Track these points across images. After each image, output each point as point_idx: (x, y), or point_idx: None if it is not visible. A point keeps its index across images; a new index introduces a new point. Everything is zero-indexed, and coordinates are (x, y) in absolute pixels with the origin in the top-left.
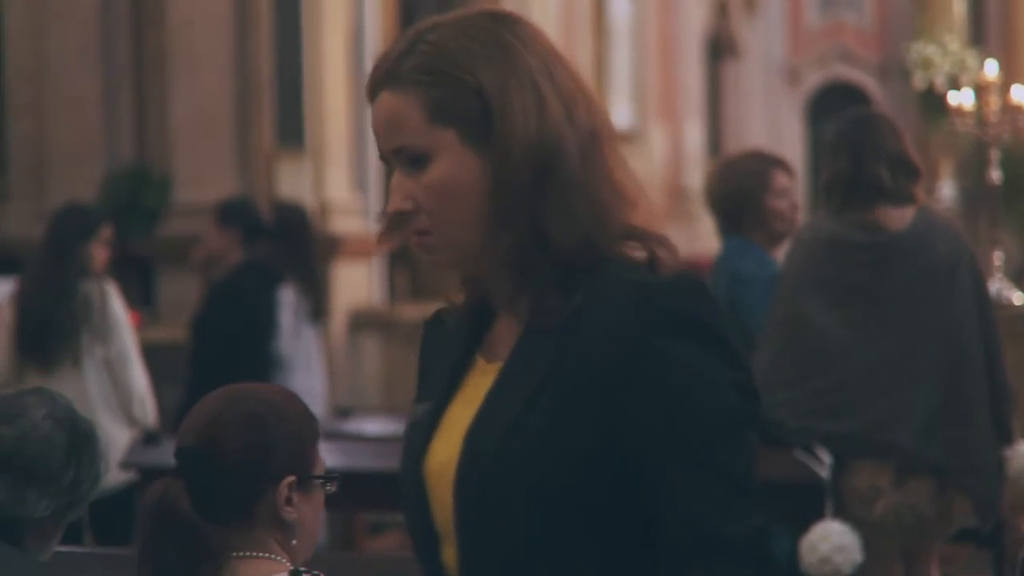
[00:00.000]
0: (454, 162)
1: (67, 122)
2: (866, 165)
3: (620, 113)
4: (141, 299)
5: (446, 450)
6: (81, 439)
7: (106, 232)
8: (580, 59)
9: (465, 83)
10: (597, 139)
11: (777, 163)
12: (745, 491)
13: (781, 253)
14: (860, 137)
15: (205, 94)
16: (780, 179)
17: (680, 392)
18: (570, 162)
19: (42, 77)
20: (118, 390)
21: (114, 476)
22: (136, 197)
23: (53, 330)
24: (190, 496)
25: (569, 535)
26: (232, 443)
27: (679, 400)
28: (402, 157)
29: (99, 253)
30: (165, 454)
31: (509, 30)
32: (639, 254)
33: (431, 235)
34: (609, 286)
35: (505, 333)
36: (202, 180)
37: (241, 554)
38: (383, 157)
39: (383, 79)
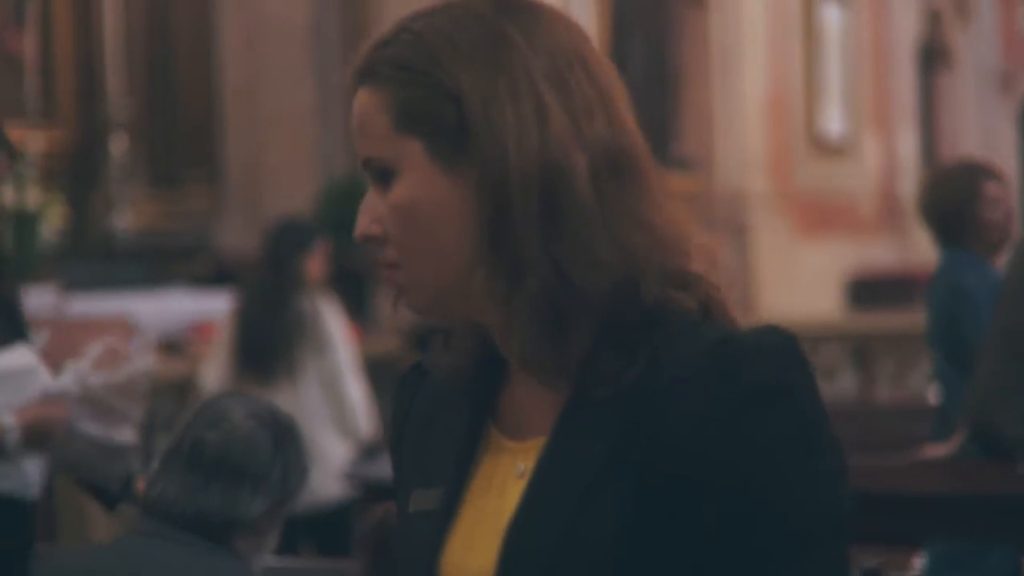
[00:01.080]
0: (418, 181)
1: (282, 136)
2: None
3: (831, 122)
4: (356, 313)
5: (474, 555)
6: (284, 434)
7: (321, 246)
8: (790, 67)
9: (439, 84)
10: (617, 163)
11: (988, 173)
12: None
13: (1002, 262)
14: None
15: None
16: (991, 189)
17: (765, 488)
18: (579, 188)
19: (257, 92)
20: (333, 403)
21: (333, 489)
22: (351, 210)
23: (269, 345)
24: None
25: None
26: None
27: (762, 498)
28: (370, 170)
29: (314, 267)
30: (384, 468)
31: (512, 20)
32: (690, 304)
33: (400, 270)
34: (679, 346)
35: (530, 400)
36: None
37: None
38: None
39: (360, 72)
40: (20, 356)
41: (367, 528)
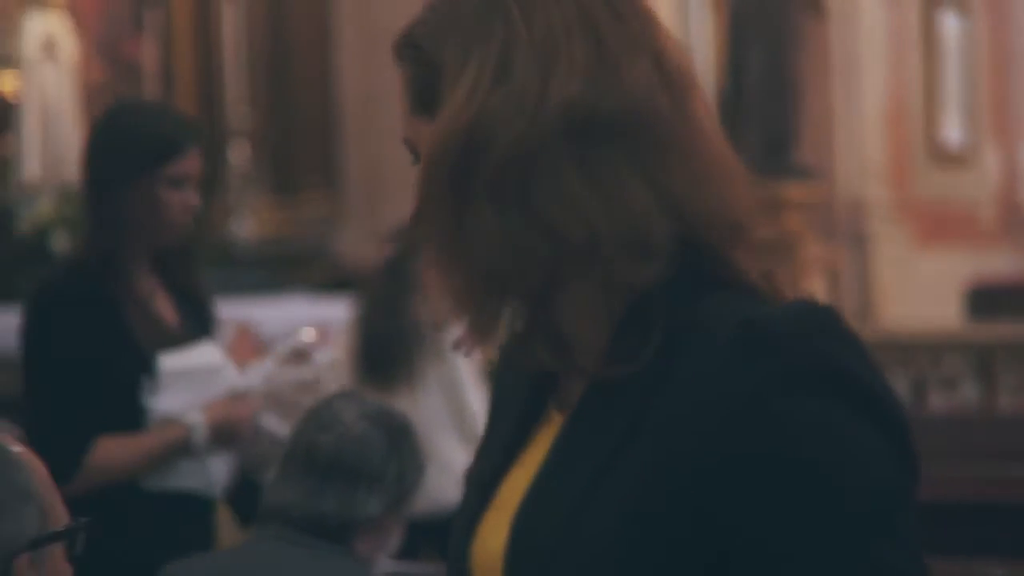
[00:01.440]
0: None
1: (400, 144)
2: None
3: (951, 130)
4: None
5: (497, 533)
6: (397, 432)
7: None
8: (910, 76)
9: (431, 60)
10: (594, 129)
11: None
12: None
13: None
14: None
15: None
16: None
17: (807, 470)
18: (494, 164)
19: (375, 99)
20: (454, 410)
21: (453, 495)
22: None
23: (389, 352)
24: None
25: None
26: None
27: (805, 481)
28: (408, 149)
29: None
30: None
31: None
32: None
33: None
34: (704, 321)
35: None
36: None
37: None
38: None
39: (393, 51)
40: (207, 353)
41: None
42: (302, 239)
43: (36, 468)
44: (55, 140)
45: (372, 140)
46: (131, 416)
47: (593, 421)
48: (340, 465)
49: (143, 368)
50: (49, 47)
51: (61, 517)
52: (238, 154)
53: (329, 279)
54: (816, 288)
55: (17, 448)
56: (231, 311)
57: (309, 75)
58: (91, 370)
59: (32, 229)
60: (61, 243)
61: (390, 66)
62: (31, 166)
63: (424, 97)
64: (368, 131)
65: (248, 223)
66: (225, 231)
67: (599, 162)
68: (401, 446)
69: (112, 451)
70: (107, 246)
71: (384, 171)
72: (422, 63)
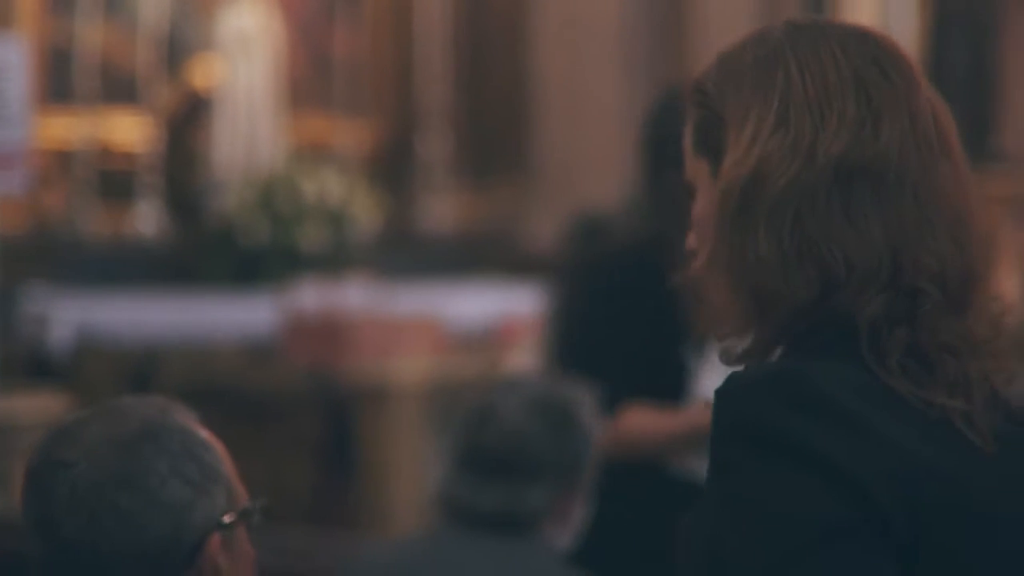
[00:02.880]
0: (704, 199)
1: (592, 131)
2: None
3: None
4: None
5: None
6: (557, 416)
7: None
8: None
9: (714, 106)
10: (852, 180)
11: None
12: None
13: None
14: None
15: None
16: None
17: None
18: (774, 195)
19: (568, 85)
20: None
21: None
22: None
23: None
24: None
25: None
26: None
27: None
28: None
29: None
30: None
31: (793, 42)
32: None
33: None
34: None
35: None
36: None
37: None
38: None
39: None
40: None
41: None
42: (492, 224)
43: (221, 449)
44: (251, 131)
45: (564, 126)
46: (672, 393)
47: None
48: (501, 462)
49: (689, 346)
50: (246, 37)
51: (242, 498)
52: (431, 140)
53: (517, 265)
54: (1012, 278)
55: (204, 432)
56: (421, 299)
57: (503, 61)
58: (634, 340)
59: (221, 220)
60: (248, 234)
61: (584, 52)
62: (225, 156)
63: (708, 140)
64: (560, 117)
65: (438, 209)
66: (416, 217)
67: (854, 205)
68: (563, 429)
69: (637, 422)
70: (661, 226)
71: (574, 157)
72: (708, 108)
